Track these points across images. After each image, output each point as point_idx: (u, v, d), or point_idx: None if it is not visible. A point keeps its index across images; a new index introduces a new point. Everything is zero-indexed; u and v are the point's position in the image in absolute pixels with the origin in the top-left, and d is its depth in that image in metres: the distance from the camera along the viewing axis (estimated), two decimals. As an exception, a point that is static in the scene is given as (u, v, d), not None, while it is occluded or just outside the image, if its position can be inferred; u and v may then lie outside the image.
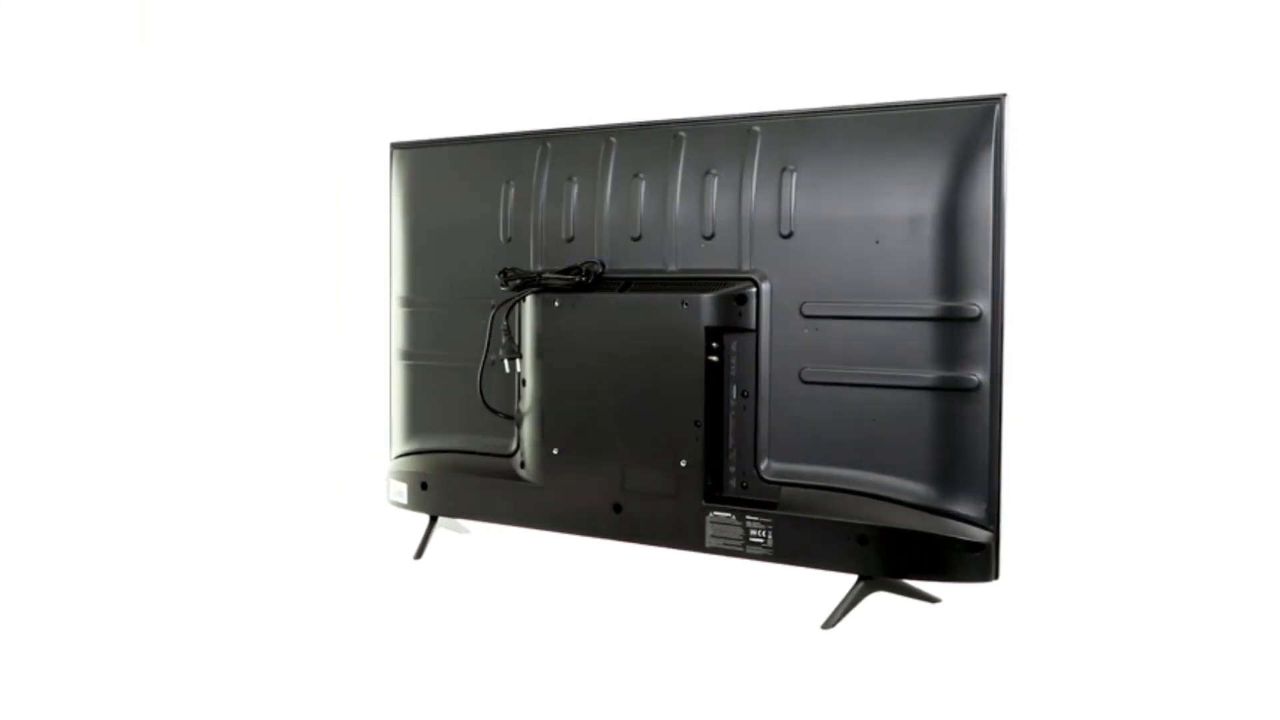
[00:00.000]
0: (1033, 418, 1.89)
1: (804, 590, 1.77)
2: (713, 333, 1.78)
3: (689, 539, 1.81)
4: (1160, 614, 1.73)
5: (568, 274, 1.90)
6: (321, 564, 2.05)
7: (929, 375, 1.64)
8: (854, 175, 1.69)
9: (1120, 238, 2.10)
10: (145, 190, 2.83)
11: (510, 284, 1.94)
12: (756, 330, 1.77)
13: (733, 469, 1.80)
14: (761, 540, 1.75)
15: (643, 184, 1.87)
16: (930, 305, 1.63)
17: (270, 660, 1.58)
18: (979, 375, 1.61)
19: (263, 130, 2.80)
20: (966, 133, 1.60)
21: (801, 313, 1.73)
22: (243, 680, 1.51)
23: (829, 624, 1.67)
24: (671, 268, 1.85)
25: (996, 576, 1.62)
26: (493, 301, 1.97)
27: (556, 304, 1.91)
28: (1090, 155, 2.08)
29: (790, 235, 1.74)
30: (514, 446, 2.00)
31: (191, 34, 2.74)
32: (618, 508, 1.87)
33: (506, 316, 1.96)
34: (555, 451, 1.93)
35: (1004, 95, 1.58)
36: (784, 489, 1.75)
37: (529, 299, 1.94)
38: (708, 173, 1.81)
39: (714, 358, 1.78)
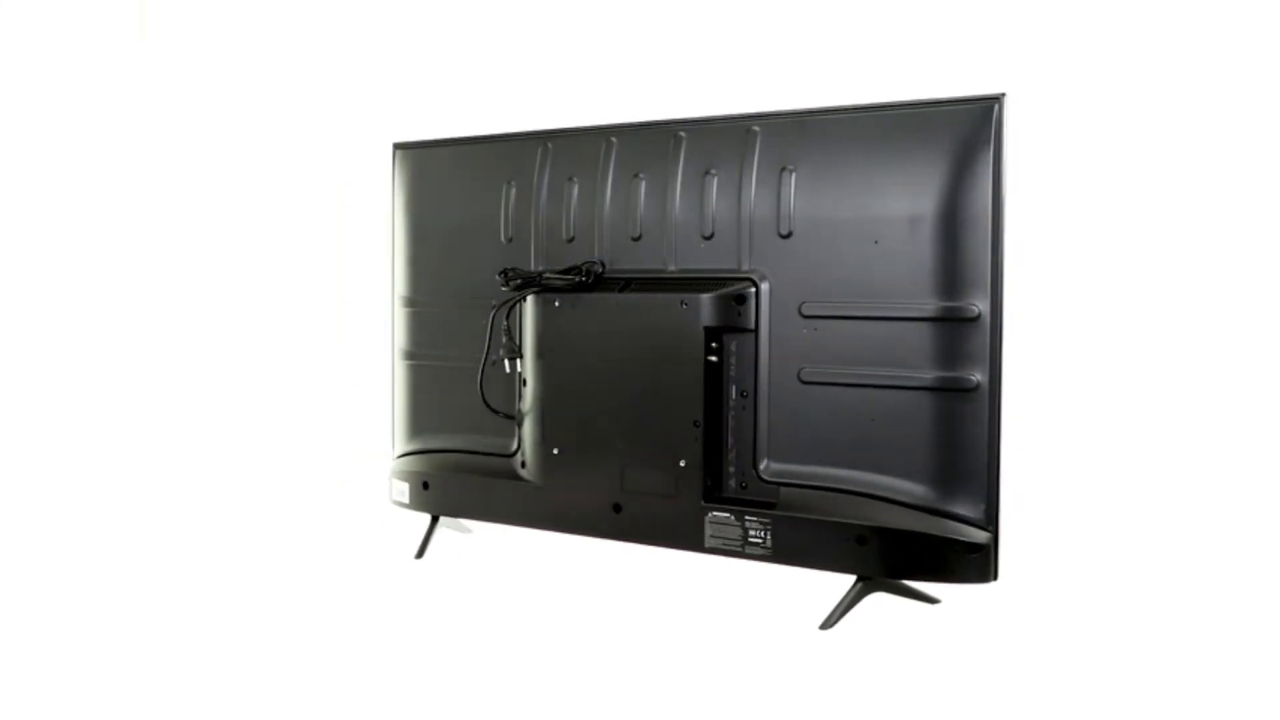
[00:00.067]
0: (1032, 418, 1.89)
1: (803, 591, 1.76)
2: (712, 333, 1.77)
3: (688, 539, 1.81)
4: (1159, 614, 1.73)
5: (568, 274, 1.90)
6: (322, 563, 2.06)
7: (928, 375, 1.63)
8: (853, 175, 1.68)
9: (1119, 237, 2.09)
10: (146, 190, 2.84)
11: (511, 284, 1.95)
12: (756, 330, 1.76)
13: (732, 469, 1.80)
14: (760, 540, 1.75)
15: (643, 184, 1.87)
16: (929, 305, 1.62)
17: (272, 658, 1.59)
18: (978, 375, 1.61)
19: (262, 130, 2.80)
20: (965, 132, 1.60)
21: (800, 313, 1.73)
22: (245, 678, 1.51)
23: (827, 624, 1.67)
24: (671, 268, 1.85)
25: (995, 577, 1.62)
26: (493, 301, 1.97)
27: (557, 304, 1.91)
28: (1089, 155, 2.08)
29: (789, 235, 1.73)
30: (515, 446, 2.01)
31: (191, 34, 2.75)
32: (617, 508, 1.87)
33: (507, 316, 1.96)
34: (555, 451, 1.93)
35: (1003, 95, 1.58)
36: (783, 489, 1.75)
37: (529, 299, 1.94)
38: (707, 172, 1.81)
39: (713, 358, 1.78)
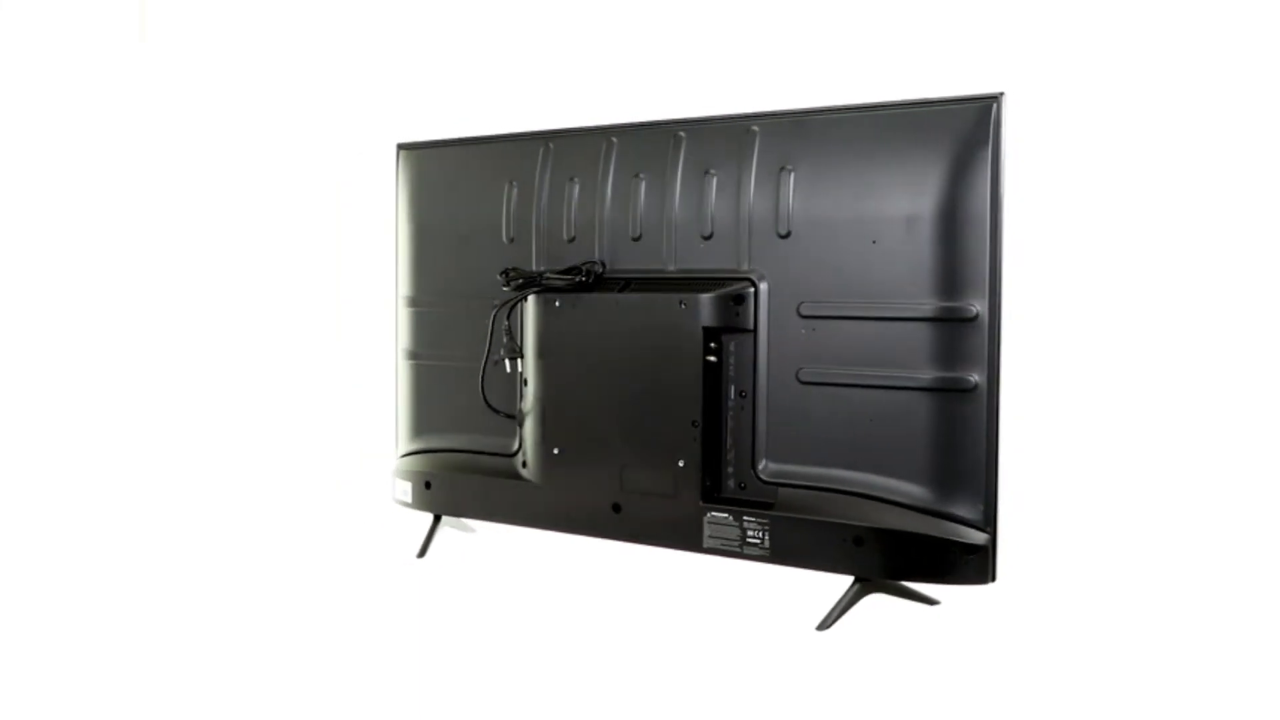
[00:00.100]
0: (1030, 419, 1.88)
1: (802, 591, 1.76)
2: (711, 333, 1.77)
3: (687, 539, 1.81)
4: (1158, 616, 1.72)
5: (568, 274, 1.90)
6: (324, 563, 2.07)
7: (926, 376, 1.63)
8: (851, 175, 1.68)
9: (1118, 237, 2.08)
10: (146, 191, 2.84)
11: (512, 284, 1.95)
12: (754, 330, 1.76)
13: (730, 469, 1.80)
14: (758, 541, 1.75)
15: (643, 184, 1.87)
16: (927, 305, 1.62)
17: (273, 656, 1.59)
18: (976, 376, 1.60)
19: (262, 130, 2.81)
20: (963, 132, 1.59)
21: (799, 313, 1.72)
22: (248, 676, 1.52)
23: (824, 625, 1.66)
24: (671, 268, 1.85)
25: (993, 579, 1.61)
26: (495, 301, 1.97)
27: (557, 304, 1.91)
28: (1088, 154, 2.06)
29: (788, 235, 1.73)
30: (516, 446, 2.01)
31: (191, 34, 2.76)
32: (617, 508, 1.87)
33: (508, 316, 1.96)
34: (556, 451, 1.93)
35: (1001, 94, 1.57)
36: (781, 490, 1.74)
37: (530, 299, 1.94)
38: (707, 172, 1.81)
39: (712, 358, 1.78)
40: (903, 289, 1.64)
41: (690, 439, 1.79)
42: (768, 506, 1.75)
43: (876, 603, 1.71)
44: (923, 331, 1.63)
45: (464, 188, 2.08)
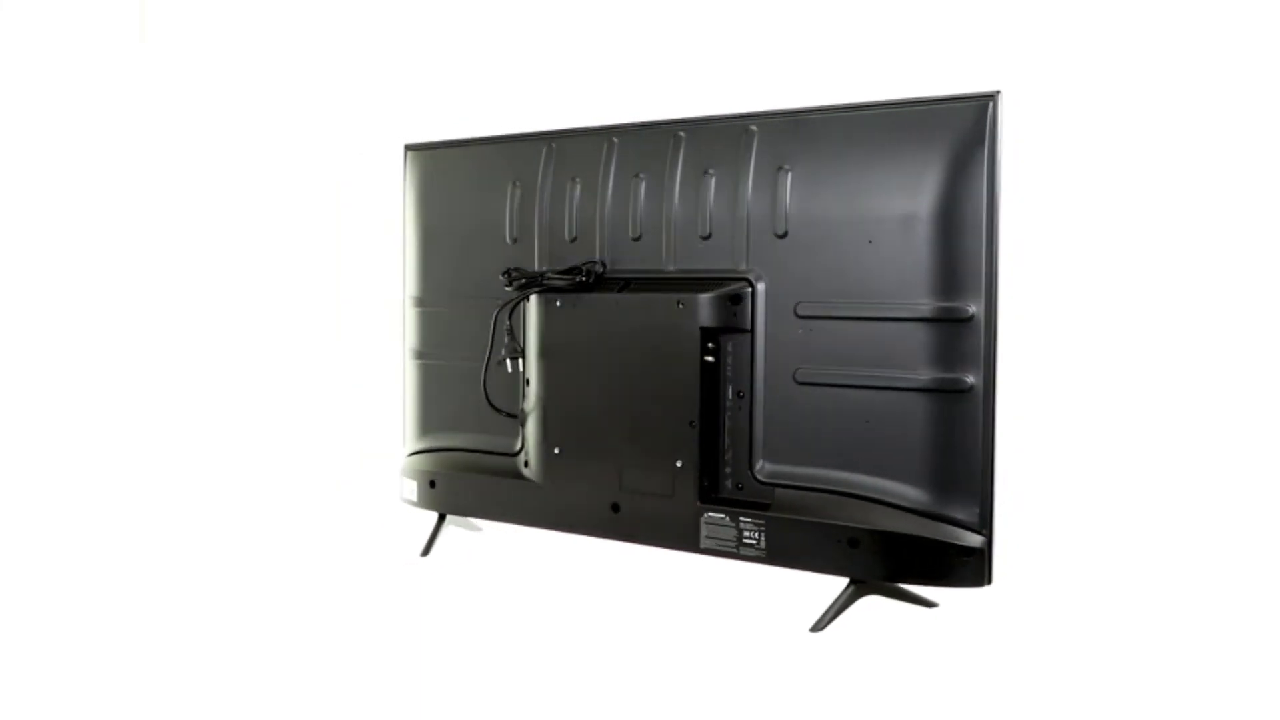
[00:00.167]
0: (1027, 420, 1.86)
1: (799, 592, 1.75)
2: (709, 333, 1.77)
3: (684, 540, 1.81)
4: (1156, 619, 1.70)
5: (569, 274, 1.91)
6: (325, 562, 2.08)
7: (922, 376, 1.62)
8: (847, 174, 1.67)
9: (1115, 237, 2.06)
10: (146, 191, 2.85)
11: (514, 284, 1.96)
12: (752, 330, 1.76)
13: (728, 470, 1.79)
14: (754, 542, 1.74)
15: (643, 184, 1.87)
16: (923, 306, 1.61)
17: (277, 654, 1.61)
18: (972, 377, 1.59)
19: (262, 130, 2.82)
20: (960, 131, 1.58)
21: (796, 313, 1.72)
22: (252, 673, 1.53)
23: (817, 627, 1.65)
24: (670, 268, 1.85)
25: (989, 581, 1.59)
26: (499, 301, 1.98)
27: (558, 304, 1.92)
28: (1085, 153, 2.04)
29: (785, 235, 1.73)
30: (519, 446, 2.02)
31: (191, 34, 2.78)
32: (616, 507, 1.88)
33: (510, 316, 1.97)
34: (556, 451, 1.94)
35: (997, 93, 1.56)
36: (778, 490, 1.74)
37: (532, 299, 1.95)
38: (705, 172, 1.81)
39: (710, 358, 1.78)
40: (899, 289, 1.63)
41: (688, 439, 1.79)
42: (764, 507, 1.74)
43: (873, 605, 1.70)
44: (919, 332, 1.62)
45: (469, 188, 2.09)
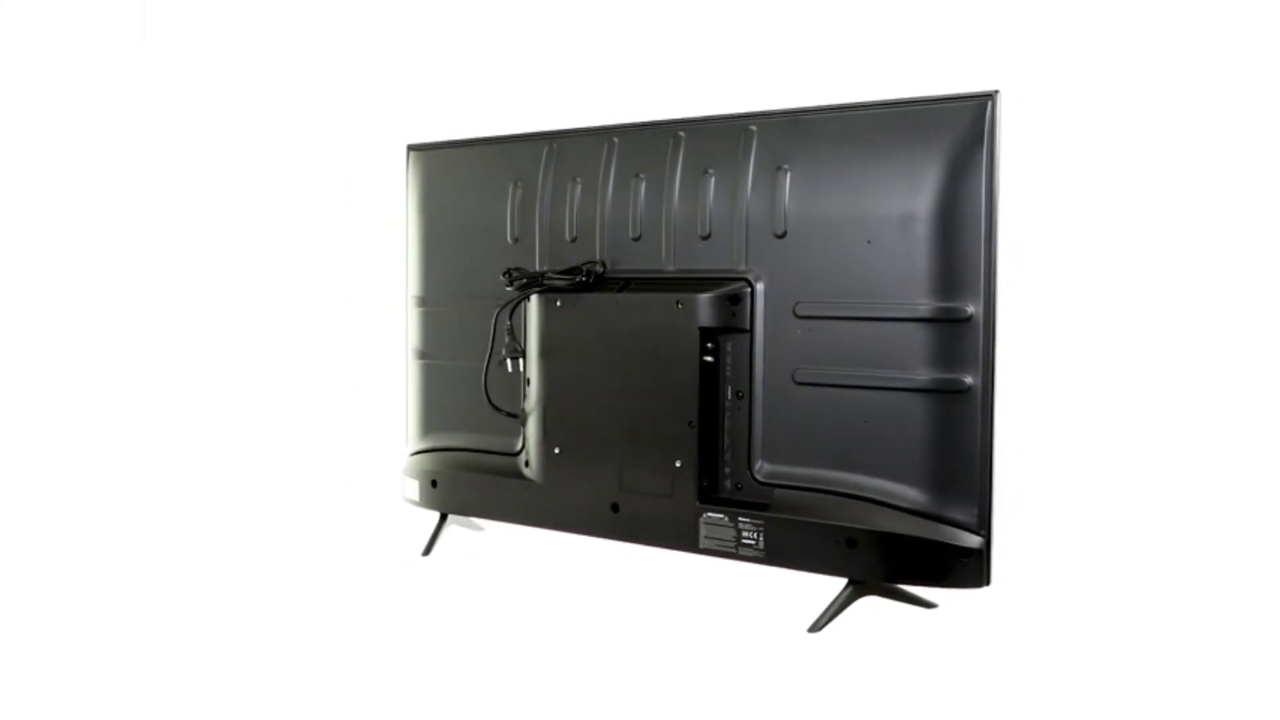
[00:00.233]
0: (1026, 421, 1.86)
1: (798, 593, 1.75)
2: (708, 333, 1.77)
3: (683, 540, 1.81)
4: (1154, 620, 1.69)
5: (569, 274, 1.91)
6: (326, 562, 2.08)
7: (921, 377, 1.61)
8: (845, 174, 1.67)
9: (1114, 237, 2.05)
10: (147, 191, 2.85)
11: (515, 284, 1.96)
12: (751, 330, 1.75)
13: (727, 470, 1.79)
14: (753, 542, 1.74)
15: (643, 184, 1.87)
16: (921, 306, 1.60)
17: (279, 652, 1.61)
18: (970, 377, 1.58)
19: (262, 131, 2.81)
20: (958, 130, 1.58)
21: (795, 313, 1.71)
22: (254, 671, 1.54)
23: (815, 627, 1.65)
24: (670, 268, 1.85)
25: (988, 582, 1.59)
26: (500, 301, 1.98)
27: (558, 304, 1.92)
28: (1084, 153, 2.03)
29: (784, 235, 1.72)
30: (520, 445, 2.02)
31: (191, 34, 2.78)
32: (615, 507, 1.88)
33: (510, 316, 1.97)
34: (557, 451, 1.94)
35: (996, 92, 1.55)
36: (776, 491, 1.74)
37: (533, 299, 1.95)
38: (705, 172, 1.80)
39: (709, 358, 1.78)
40: (897, 289, 1.62)
41: (687, 439, 1.78)
42: (763, 508, 1.74)
43: (871, 606, 1.69)
44: (918, 332, 1.61)
45: (471, 188, 2.10)
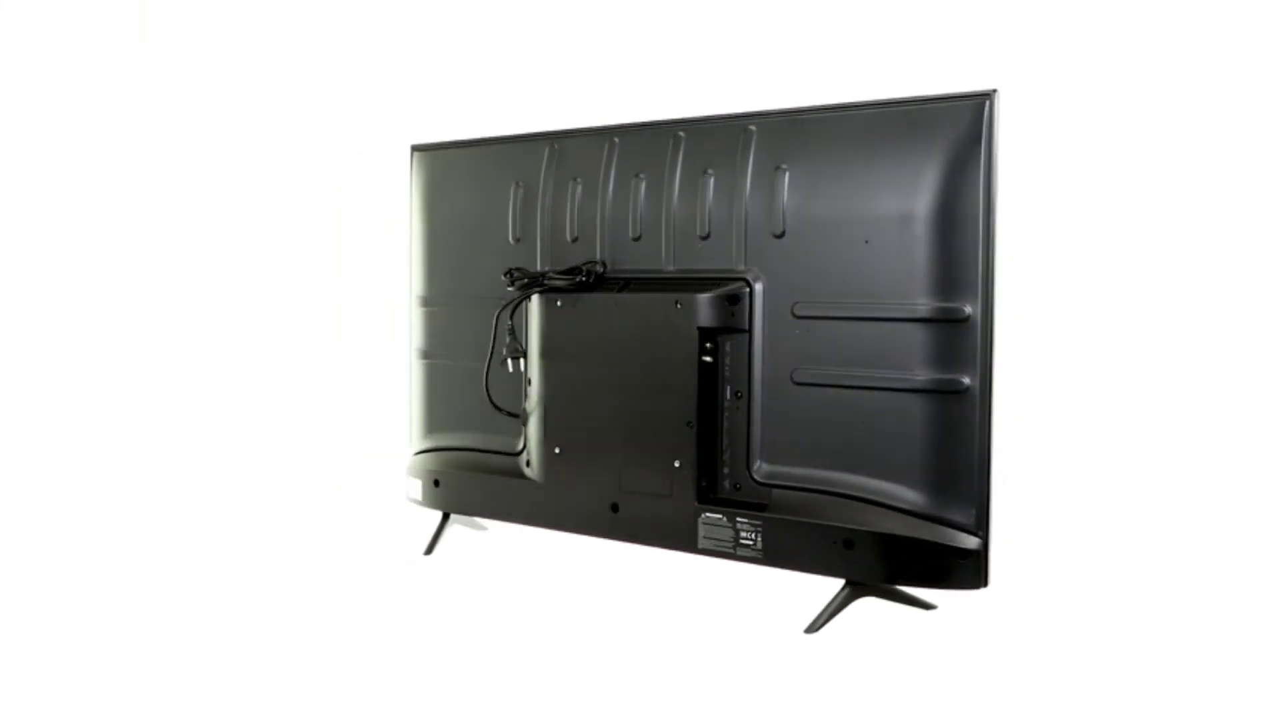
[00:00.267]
0: (1024, 422, 1.85)
1: (796, 594, 1.74)
2: (707, 333, 1.77)
3: (682, 540, 1.81)
4: (1152, 622, 1.68)
5: (570, 274, 1.91)
6: (327, 561, 2.09)
7: (919, 377, 1.61)
8: (843, 173, 1.66)
9: (1113, 236, 2.04)
10: (147, 192, 2.85)
11: (517, 284, 1.96)
12: (749, 331, 1.75)
13: (726, 470, 1.79)
14: (751, 542, 1.74)
15: (643, 184, 1.87)
16: (919, 306, 1.60)
17: (280, 651, 1.62)
18: (968, 378, 1.57)
19: (261, 131, 2.82)
20: (956, 130, 1.57)
21: (793, 313, 1.71)
22: (258, 670, 1.54)
23: (812, 628, 1.65)
24: (670, 268, 1.85)
25: (986, 584, 1.58)
26: (502, 300, 1.99)
27: (559, 304, 1.92)
28: (1083, 152, 2.02)
29: (782, 235, 1.72)
30: (521, 445, 2.02)
31: (191, 34, 2.78)
32: (615, 507, 1.88)
33: (512, 316, 1.98)
34: (557, 451, 1.94)
35: (994, 91, 1.55)
36: (775, 491, 1.73)
37: (534, 299, 1.95)
38: (704, 172, 1.80)
39: (708, 358, 1.77)
40: (895, 289, 1.62)
41: (686, 440, 1.78)
42: (761, 508, 1.74)
43: (870, 607, 1.69)
44: (915, 332, 1.61)
45: (474, 188, 2.10)
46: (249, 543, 2.22)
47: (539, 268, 1.98)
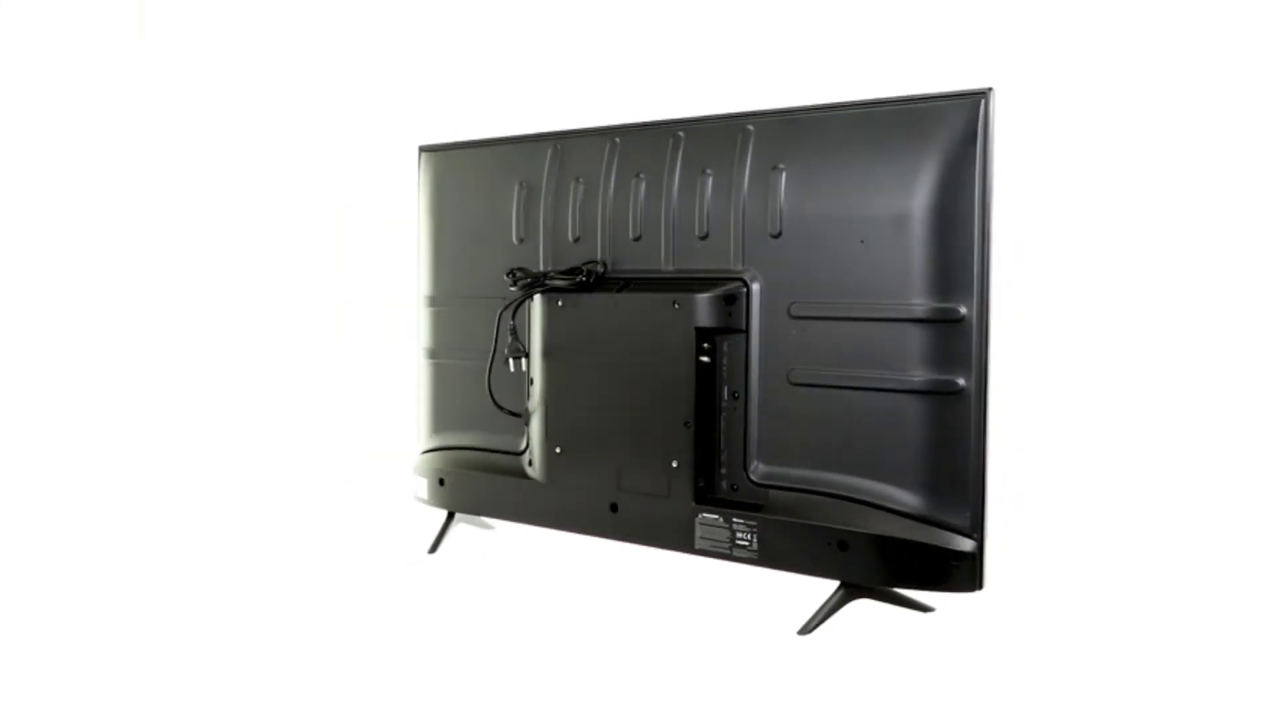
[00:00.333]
0: (1020, 423, 1.83)
1: (792, 595, 1.74)
2: (704, 333, 1.76)
3: (679, 540, 1.81)
4: (1149, 624, 1.66)
5: (571, 274, 1.92)
6: (327, 561, 2.10)
7: (915, 378, 1.60)
8: (838, 173, 1.66)
9: (1109, 236, 2.01)
10: (147, 192, 2.86)
11: (519, 284, 1.97)
12: (747, 331, 1.75)
13: (723, 471, 1.79)
14: (747, 543, 1.73)
15: (643, 184, 1.87)
16: (914, 306, 1.59)
17: (283, 650, 1.63)
18: (964, 379, 1.56)
19: (262, 131, 2.82)
20: (952, 129, 1.56)
21: (790, 313, 1.71)
22: (261, 669, 1.56)
23: (805, 629, 1.64)
24: (668, 268, 1.85)
25: (981, 586, 1.57)
26: (504, 299, 2.00)
27: (560, 304, 1.93)
28: (1079, 151, 2.00)
29: (779, 235, 1.72)
30: (524, 445, 2.03)
31: (191, 34, 2.79)
32: (614, 507, 1.88)
33: (514, 316, 1.98)
34: (558, 450, 1.94)
35: (990, 90, 1.53)
36: (771, 492, 1.73)
37: (536, 299, 1.96)
38: (703, 172, 1.80)
39: (705, 358, 1.77)
40: (891, 289, 1.61)
41: (684, 440, 1.78)
42: (758, 509, 1.73)
43: (865, 609, 1.68)
44: (911, 333, 1.60)
45: (480, 189, 2.11)
46: (251, 542, 2.23)
47: (542, 267, 1.99)
